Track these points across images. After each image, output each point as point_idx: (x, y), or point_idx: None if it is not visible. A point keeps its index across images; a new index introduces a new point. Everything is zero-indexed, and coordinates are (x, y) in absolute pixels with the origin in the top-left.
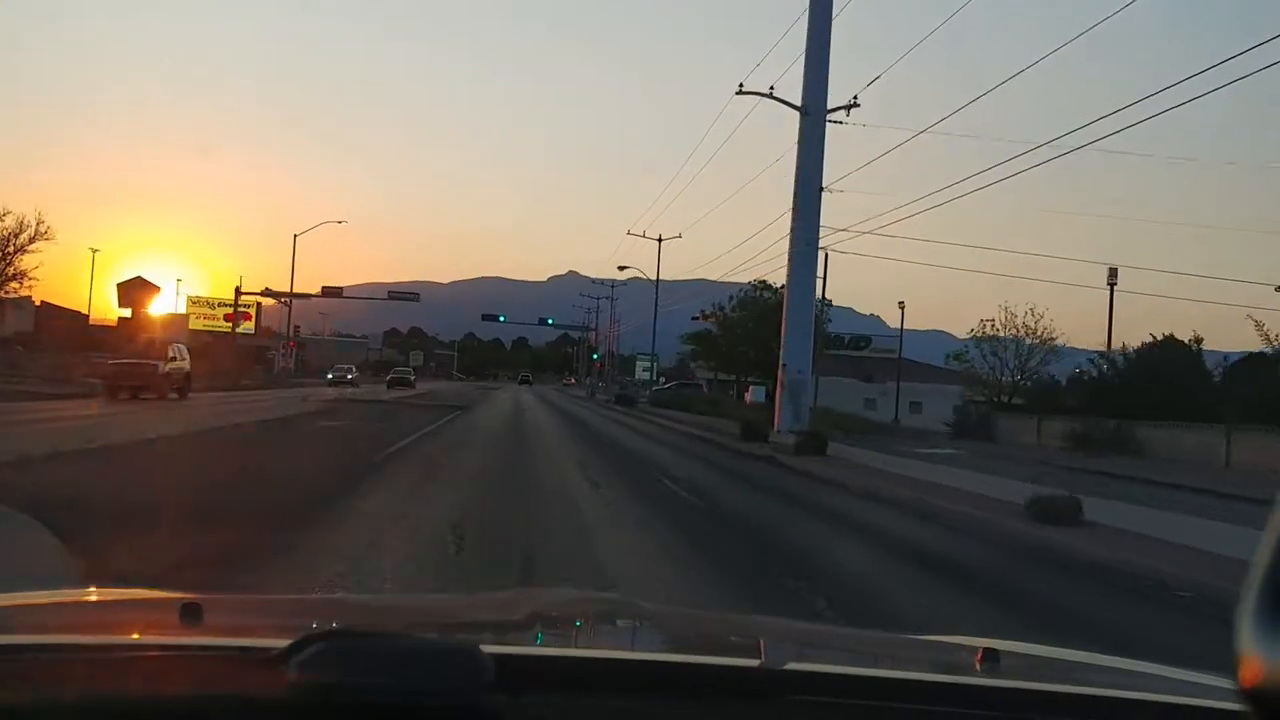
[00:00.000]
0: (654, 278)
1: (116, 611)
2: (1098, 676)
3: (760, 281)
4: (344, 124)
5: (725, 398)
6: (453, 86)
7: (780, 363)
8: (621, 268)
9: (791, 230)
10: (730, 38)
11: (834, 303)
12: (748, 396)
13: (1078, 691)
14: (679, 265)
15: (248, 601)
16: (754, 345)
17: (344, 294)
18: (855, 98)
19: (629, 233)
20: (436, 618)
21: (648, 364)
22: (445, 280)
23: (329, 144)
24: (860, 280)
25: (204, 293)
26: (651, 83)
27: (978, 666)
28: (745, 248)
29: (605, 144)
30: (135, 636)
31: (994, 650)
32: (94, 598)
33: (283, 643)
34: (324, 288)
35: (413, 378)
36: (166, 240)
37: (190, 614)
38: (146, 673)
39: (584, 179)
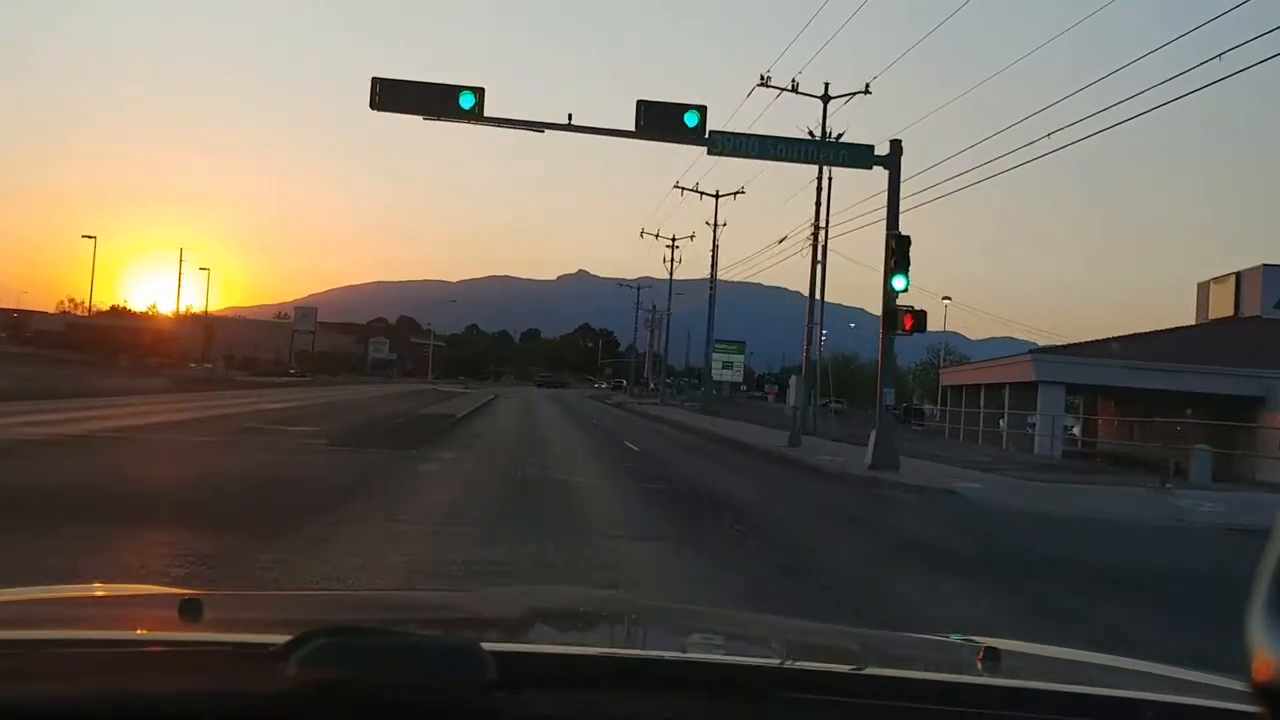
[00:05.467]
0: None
1: (116, 607)
2: (1100, 676)
3: None
4: (348, 122)
5: None
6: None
7: None
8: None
9: None
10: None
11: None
12: None
13: (1079, 691)
14: (688, 265)
15: (248, 597)
16: None
17: None
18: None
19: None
20: (437, 614)
21: (729, 358)
22: (454, 279)
23: (333, 142)
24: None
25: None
26: (666, 77)
27: (979, 666)
28: (749, 248)
29: (617, 140)
30: (135, 632)
31: (995, 649)
32: (94, 593)
33: (283, 638)
34: None
35: None
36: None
37: (190, 610)
38: (146, 668)
39: (594, 176)
